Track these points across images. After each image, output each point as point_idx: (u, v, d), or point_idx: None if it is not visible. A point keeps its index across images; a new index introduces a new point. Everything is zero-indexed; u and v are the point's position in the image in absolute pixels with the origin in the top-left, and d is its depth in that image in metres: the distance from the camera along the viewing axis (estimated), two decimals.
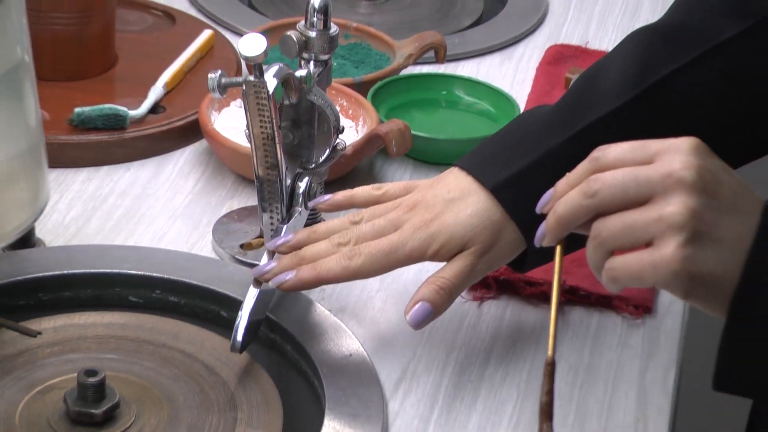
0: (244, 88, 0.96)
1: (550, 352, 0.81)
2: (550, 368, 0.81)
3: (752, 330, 0.77)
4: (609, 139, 0.85)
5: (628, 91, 0.97)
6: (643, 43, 1.00)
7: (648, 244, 0.76)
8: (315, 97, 1.01)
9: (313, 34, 1.01)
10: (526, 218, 0.94)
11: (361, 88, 1.22)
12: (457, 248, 0.95)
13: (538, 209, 0.83)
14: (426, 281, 0.95)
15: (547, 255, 0.97)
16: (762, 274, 0.76)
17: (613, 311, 1.05)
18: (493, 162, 0.97)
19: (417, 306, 0.94)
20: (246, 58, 0.95)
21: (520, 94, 1.30)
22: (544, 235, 0.82)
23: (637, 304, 1.05)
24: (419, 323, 0.95)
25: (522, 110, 1.24)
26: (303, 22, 1.02)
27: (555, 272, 0.82)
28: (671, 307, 1.06)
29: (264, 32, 1.04)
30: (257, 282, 0.96)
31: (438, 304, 0.94)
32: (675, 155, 0.77)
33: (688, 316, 1.07)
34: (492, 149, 0.99)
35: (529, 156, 0.96)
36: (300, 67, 1.01)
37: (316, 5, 1.01)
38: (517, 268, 1.00)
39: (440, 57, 1.30)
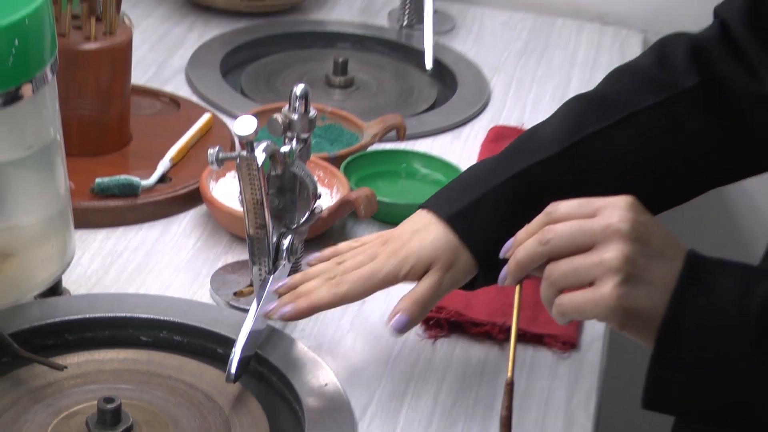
0: (238, 161, 0.96)
1: (509, 374, 0.82)
2: (510, 387, 0.82)
3: (675, 358, 0.77)
4: (543, 180, 0.88)
5: (560, 144, 0.97)
6: (574, 108, 1.01)
7: (591, 284, 0.77)
8: (297, 169, 1.01)
9: (295, 116, 1.01)
10: (477, 244, 0.95)
11: (335, 161, 1.22)
12: (424, 268, 0.95)
13: (501, 255, 0.83)
14: (403, 297, 0.95)
15: (493, 279, 0.94)
16: (683, 312, 0.77)
17: (545, 346, 1.05)
18: (448, 200, 0.98)
19: (396, 316, 0.94)
20: (240, 137, 0.95)
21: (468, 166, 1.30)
22: (506, 276, 0.82)
23: (564, 341, 1.05)
24: (399, 330, 0.94)
25: None
26: (287, 106, 1.02)
27: (515, 307, 0.83)
28: (592, 343, 1.06)
29: (254, 115, 1.05)
30: (264, 318, 0.97)
31: (413, 314, 0.94)
32: (614, 210, 0.78)
33: (607, 351, 1.07)
34: (447, 190, 1.00)
35: (477, 193, 0.97)
36: (284, 143, 1.01)
37: (298, 93, 1.02)
38: (468, 288, 0.99)
39: (401, 136, 1.31)
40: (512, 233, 0.85)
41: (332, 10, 1.65)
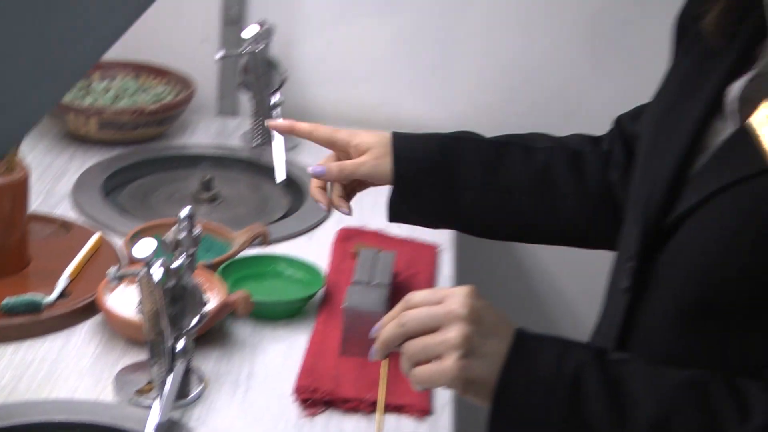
0: (138, 278, 0.96)
1: None
2: None
3: (508, 417, 0.81)
4: (467, 153, 1.02)
5: (494, 139, 1.07)
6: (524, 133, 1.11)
7: (438, 358, 0.81)
8: (186, 280, 1.02)
9: (183, 235, 1.03)
10: (400, 160, 1.03)
11: (213, 267, 1.22)
12: (365, 150, 1.03)
13: (371, 335, 0.87)
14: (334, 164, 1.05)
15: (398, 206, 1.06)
16: (512, 380, 0.81)
17: (406, 413, 1.07)
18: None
19: (318, 166, 1.04)
20: (139, 259, 0.95)
21: (323, 264, 1.31)
22: (374, 352, 0.86)
23: (420, 408, 1.07)
24: (314, 173, 1.05)
25: (325, 277, 1.25)
26: (176, 225, 1.03)
27: (381, 378, 0.87)
28: (444, 408, 1.09)
29: (137, 232, 1.04)
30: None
31: (331, 170, 1.04)
32: (456, 298, 0.83)
33: (455, 414, 1.10)
34: None
35: (421, 134, 1.07)
36: (175, 259, 1.01)
37: (185, 214, 1.03)
38: (395, 214, 1.07)
39: (265, 242, 1.31)
40: (430, 174, 1.01)
41: (192, 135, 1.65)
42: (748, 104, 0.84)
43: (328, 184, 1.07)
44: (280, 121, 1.10)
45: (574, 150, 1.06)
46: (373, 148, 1.03)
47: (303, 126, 1.07)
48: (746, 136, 0.82)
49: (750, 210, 0.81)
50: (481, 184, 1.04)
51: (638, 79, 1.63)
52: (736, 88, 0.86)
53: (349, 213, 1.07)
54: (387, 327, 0.84)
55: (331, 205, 1.07)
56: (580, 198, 1.05)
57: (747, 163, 0.82)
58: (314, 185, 1.07)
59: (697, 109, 0.88)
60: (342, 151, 1.06)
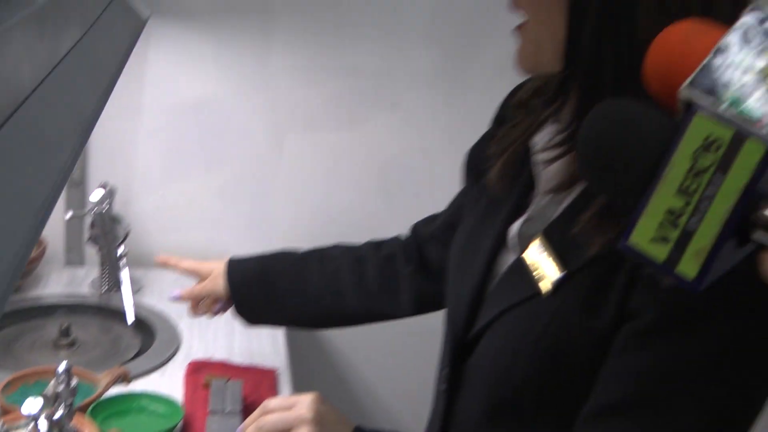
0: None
1: None
2: None
3: None
4: (280, 263, 1.18)
5: (302, 252, 1.23)
6: (339, 246, 1.26)
7: None
8: (67, 428, 1.03)
9: (62, 387, 1.04)
10: (229, 279, 1.20)
11: (82, 409, 1.21)
12: (207, 276, 1.24)
13: None
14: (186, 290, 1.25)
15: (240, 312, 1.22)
16: None
17: None
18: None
19: (175, 292, 1.23)
20: (28, 416, 0.96)
21: (178, 396, 1.31)
22: None
23: None
24: (173, 298, 1.26)
25: (183, 408, 1.26)
26: (54, 380, 1.03)
27: None
28: None
29: (8, 383, 1.03)
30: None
31: (184, 293, 1.23)
32: (303, 403, 0.92)
33: None
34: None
35: (251, 257, 1.21)
36: (56, 410, 1.02)
37: (62, 369, 1.04)
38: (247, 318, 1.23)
39: (127, 380, 1.30)
40: (254, 288, 1.17)
41: (46, 286, 1.64)
42: (524, 240, 0.95)
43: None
44: (163, 257, 1.28)
45: (358, 256, 1.21)
46: (212, 273, 1.21)
47: (173, 261, 1.28)
48: (522, 266, 0.94)
49: (526, 327, 0.91)
50: (290, 291, 1.18)
51: (423, 212, 1.78)
52: (515, 228, 0.97)
53: (217, 313, 1.25)
54: (248, 430, 0.93)
55: (202, 314, 1.26)
56: (361, 293, 1.19)
57: (523, 288, 0.93)
58: (189, 305, 1.27)
59: (488, 243, 0.99)
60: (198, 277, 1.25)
